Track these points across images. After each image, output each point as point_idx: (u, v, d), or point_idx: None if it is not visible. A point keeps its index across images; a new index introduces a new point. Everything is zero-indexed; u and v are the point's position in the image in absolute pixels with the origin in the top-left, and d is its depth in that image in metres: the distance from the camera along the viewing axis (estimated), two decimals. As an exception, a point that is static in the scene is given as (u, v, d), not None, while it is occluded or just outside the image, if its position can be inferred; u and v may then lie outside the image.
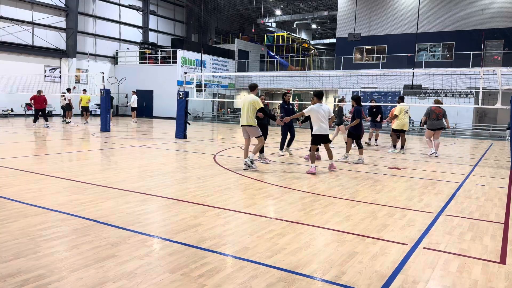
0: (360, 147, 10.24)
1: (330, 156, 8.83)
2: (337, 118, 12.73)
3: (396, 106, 12.83)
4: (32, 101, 18.58)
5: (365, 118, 11.95)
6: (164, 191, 6.33)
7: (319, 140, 8.56)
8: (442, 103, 12.27)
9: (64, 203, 5.39)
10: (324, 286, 3.26)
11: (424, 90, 23.67)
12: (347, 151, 10.38)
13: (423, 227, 4.87)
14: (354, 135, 10.15)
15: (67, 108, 21.09)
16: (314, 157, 8.52)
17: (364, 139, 13.42)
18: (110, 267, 3.43)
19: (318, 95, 8.58)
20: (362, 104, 11.10)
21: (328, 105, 9.00)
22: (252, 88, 8.74)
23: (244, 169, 8.47)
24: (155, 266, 3.51)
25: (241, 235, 4.37)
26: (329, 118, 8.76)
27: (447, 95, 23.77)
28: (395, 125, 12.51)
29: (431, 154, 11.85)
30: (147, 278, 3.27)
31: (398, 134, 12.71)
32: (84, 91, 21.87)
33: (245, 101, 8.55)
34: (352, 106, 10.71)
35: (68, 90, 21.72)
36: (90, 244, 3.94)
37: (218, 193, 6.34)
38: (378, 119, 14.14)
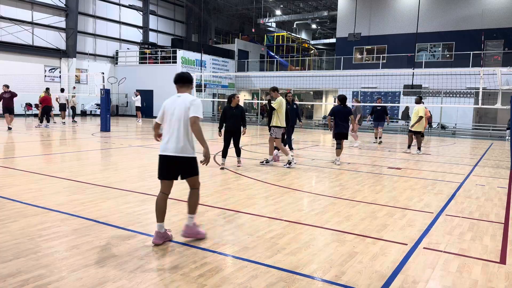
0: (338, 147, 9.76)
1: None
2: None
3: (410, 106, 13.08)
4: (41, 102, 18.65)
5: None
6: (164, 191, 6.31)
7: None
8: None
9: (64, 203, 5.39)
10: (324, 286, 3.26)
11: (424, 90, 23.68)
12: (338, 154, 9.80)
13: (423, 227, 4.87)
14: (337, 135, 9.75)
15: (61, 108, 20.98)
16: (193, 206, 4.21)
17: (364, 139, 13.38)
18: (110, 267, 3.43)
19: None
20: (365, 104, 11.20)
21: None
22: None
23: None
24: (155, 266, 3.51)
25: (241, 235, 4.37)
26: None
27: (447, 95, 23.78)
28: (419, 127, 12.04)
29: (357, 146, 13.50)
30: (147, 278, 3.27)
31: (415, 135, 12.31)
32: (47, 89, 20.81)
33: None
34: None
35: (62, 90, 21.55)
36: (90, 244, 3.94)
37: (218, 193, 6.34)
38: (387, 119, 14.91)
